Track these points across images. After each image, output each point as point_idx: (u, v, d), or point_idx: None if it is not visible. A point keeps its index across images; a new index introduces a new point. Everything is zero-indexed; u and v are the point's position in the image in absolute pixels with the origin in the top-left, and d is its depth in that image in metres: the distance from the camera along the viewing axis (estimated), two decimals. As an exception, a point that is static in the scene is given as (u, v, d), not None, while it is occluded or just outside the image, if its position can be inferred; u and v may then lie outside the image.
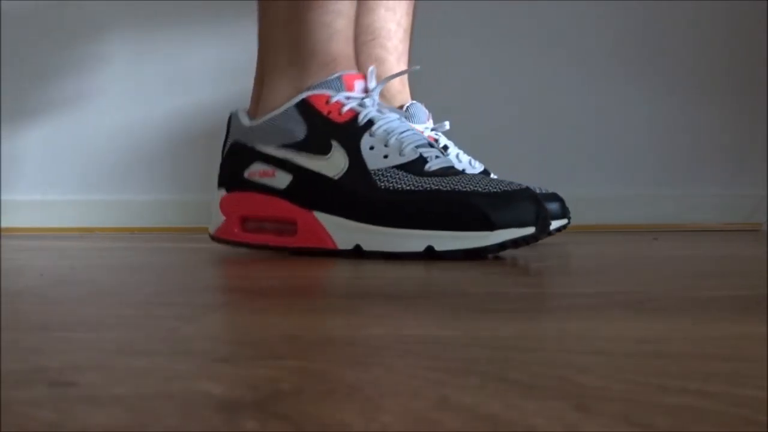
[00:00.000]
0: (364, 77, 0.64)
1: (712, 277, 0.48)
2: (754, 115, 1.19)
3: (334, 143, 0.61)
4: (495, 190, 0.55)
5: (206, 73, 1.23)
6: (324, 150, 0.61)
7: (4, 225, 1.22)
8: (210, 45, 1.23)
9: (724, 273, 0.50)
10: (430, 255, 0.55)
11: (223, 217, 0.67)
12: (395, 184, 0.58)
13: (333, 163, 0.60)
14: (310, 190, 0.61)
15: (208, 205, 1.21)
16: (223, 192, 0.68)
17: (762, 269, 0.50)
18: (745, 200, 1.19)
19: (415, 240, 0.56)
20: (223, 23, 1.23)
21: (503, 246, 0.54)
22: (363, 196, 0.59)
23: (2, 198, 1.23)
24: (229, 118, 0.70)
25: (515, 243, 0.54)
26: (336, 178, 0.60)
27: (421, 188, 0.57)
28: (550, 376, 0.20)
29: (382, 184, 0.58)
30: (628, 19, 1.20)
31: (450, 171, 0.59)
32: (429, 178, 0.58)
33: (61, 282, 0.45)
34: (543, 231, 0.54)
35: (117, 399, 0.18)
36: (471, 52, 1.17)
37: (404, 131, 0.61)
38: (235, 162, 0.67)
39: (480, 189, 0.55)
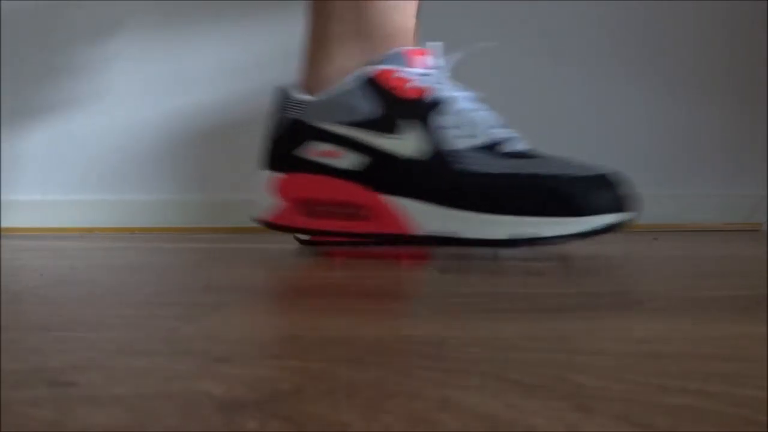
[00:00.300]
0: (428, 53, 0.61)
1: (712, 277, 0.48)
2: (754, 115, 1.19)
3: (405, 122, 0.57)
4: (582, 174, 0.54)
5: (206, 73, 1.23)
6: (394, 129, 0.57)
7: (4, 225, 1.22)
8: (210, 45, 1.23)
9: (724, 273, 0.50)
10: (518, 242, 0.54)
11: (278, 201, 0.62)
12: (475, 167, 0.56)
13: (405, 143, 0.57)
14: (380, 172, 0.58)
15: (208, 205, 1.22)
16: (273, 173, 0.62)
17: (762, 269, 0.50)
18: (745, 200, 1.19)
19: (500, 225, 0.54)
20: (223, 23, 1.23)
21: (596, 232, 0.53)
22: (442, 178, 0.56)
23: (2, 198, 1.23)
24: (278, 94, 0.64)
25: (605, 230, 0.54)
26: (409, 159, 0.57)
27: (503, 172, 0.55)
28: (550, 376, 0.20)
29: (461, 166, 0.56)
30: (628, 19, 1.20)
31: (527, 153, 0.57)
32: (511, 161, 0.56)
33: (61, 282, 0.45)
34: (628, 218, 0.54)
35: (117, 399, 0.18)
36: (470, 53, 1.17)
37: (476, 111, 0.58)
38: (290, 140, 0.61)
39: (567, 174, 0.54)
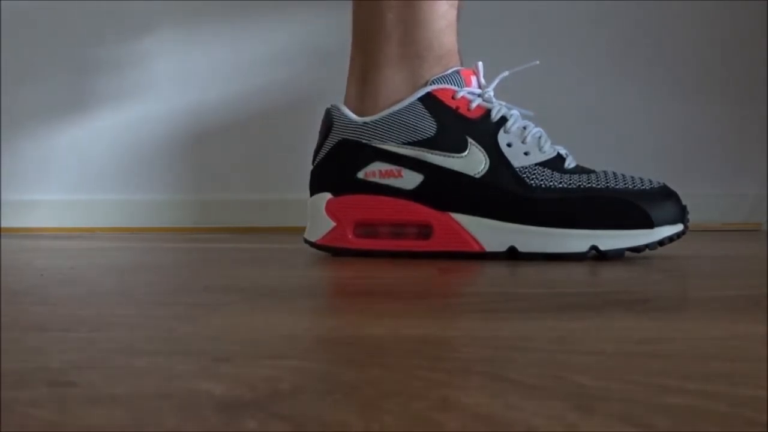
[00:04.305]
0: (476, 72, 0.62)
1: (712, 277, 0.48)
2: (754, 115, 1.19)
3: (470, 140, 0.58)
4: (644, 188, 0.56)
5: (206, 73, 1.23)
6: (460, 148, 0.58)
7: (4, 225, 1.22)
8: (210, 46, 1.23)
9: (724, 273, 0.50)
10: (594, 255, 0.55)
11: (333, 223, 0.60)
12: (546, 183, 0.57)
13: (472, 162, 0.57)
14: (446, 191, 0.58)
15: (208, 205, 1.22)
16: (327, 195, 0.61)
17: (762, 269, 0.50)
18: (745, 200, 1.19)
19: (578, 240, 0.55)
20: (223, 24, 1.23)
21: (661, 243, 0.55)
22: (515, 195, 0.56)
23: (2, 198, 1.23)
24: (328, 115, 0.63)
25: (670, 240, 0.56)
26: (478, 177, 0.57)
27: (575, 186, 0.56)
28: (550, 376, 0.20)
29: (532, 182, 0.57)
30: (628, 19, 1.20)
31: (585, 169, 0.59)
32: (577, 176, 0.57)
33: (61, 282, 0.45)
34: (687, 228, 0.56)
35: (117, 399, 0.18)
36: (471, 54, 1.17)
37: (533, 128, 0.60)
38: (345, 162, 0.60)
39: (631, 188, 0.56)
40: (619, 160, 1.19)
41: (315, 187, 0.63)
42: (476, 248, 0.57)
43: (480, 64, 0.63)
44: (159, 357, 0.23)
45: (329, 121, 0.62)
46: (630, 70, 1.20)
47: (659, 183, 0.58)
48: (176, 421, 0.17)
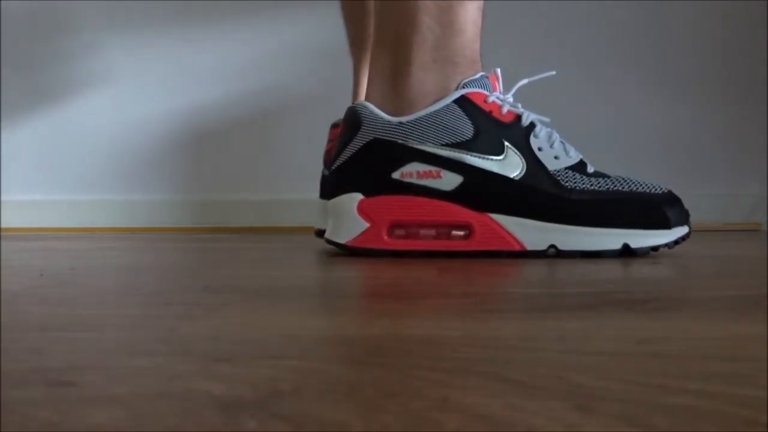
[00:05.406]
0: (497, 78, 0.63)
1: (712, 277, 0.48)
2: (754, 115, 1.19)
3: (507, 143, 0.59)
4: (657, 192, 0.60)
5: (206, 73, 1.23)
6: (498, 150, 0.59)
7: (4, 225, 1.22)
8: (210, 45, 1.23)
9: (724, 273, 0.50)
10: (626, 252, 0.58)
11: (366, 224, 0.60)
12: (579, 185, 0.59)
13: (509, 164, 0.59)
14: (485, 192, 0.59)
15: (208, 205, 1.22)
16: (358, 196, 0.60)
17: (762, 269, 0.50)
18: (745, 200, 1.19)
19: (612, 238, 0.58)
20: (222, 23, 1.23)
21: (676, 242, 0.59)
22: (554, 196, 0.58)
23: (2, 198, 1.23)
24: (354, 114, 0.62)
25: (682, 239, 0.59)
26: (517, 179, 0.59)
27: (604, 189, 0.59)
28: (550, 376, 0.20)
29: (567, 184, 0.59)
30: (629, 19, 1.20)
31: (603, 173, 0.61)
32: (602, 179, 0.60)
33: (61, 282, 0.45)
34: (690, 230, 0.60)
35: (117, 399, 0.18)
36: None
37: (554, 133, 0.62)
38: (379, 162, 0.60)
39: (648, 191, 0.60)
40: (619, 160, 1.20)
41: (340, 188, 0.61)
42: (517, 247, 0.59)
43: (498, 70, 0.63)
44: (159, 357, 0.23)
45: (356, 120, 0.61)
46: (631, 70, 1.20)
47: (665, 188, 0.61)
48: (176, 421, 0.17)
